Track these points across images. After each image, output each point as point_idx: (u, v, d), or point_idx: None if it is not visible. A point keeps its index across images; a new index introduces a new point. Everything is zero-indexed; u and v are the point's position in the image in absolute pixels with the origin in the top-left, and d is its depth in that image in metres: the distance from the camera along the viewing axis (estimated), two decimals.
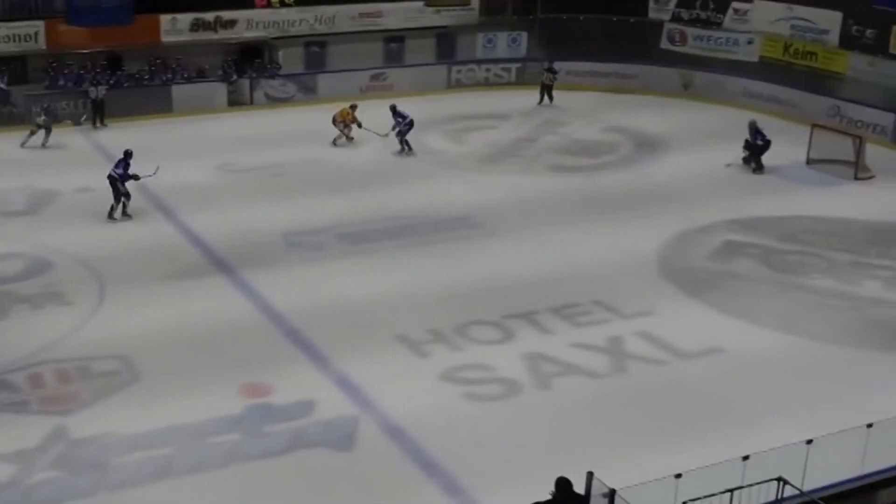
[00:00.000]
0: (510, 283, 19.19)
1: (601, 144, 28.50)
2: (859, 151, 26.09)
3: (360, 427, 14.46)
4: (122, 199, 21.93)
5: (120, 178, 21.83)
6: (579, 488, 11.04)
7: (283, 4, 32.30)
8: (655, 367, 16.43)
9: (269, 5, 32.24)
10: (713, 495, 10.75)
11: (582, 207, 23.50)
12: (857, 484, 12.21)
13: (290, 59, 32.53)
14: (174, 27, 31.04)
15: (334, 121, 27.36)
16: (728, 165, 25.97)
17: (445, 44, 34.66)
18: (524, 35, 35.15)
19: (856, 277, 20.06)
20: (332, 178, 25.02)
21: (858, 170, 25.99)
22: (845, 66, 31.29)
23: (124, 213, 21.97)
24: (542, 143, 28.57)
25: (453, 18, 34.44)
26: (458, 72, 34.10)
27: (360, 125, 27.11)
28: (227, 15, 31.57)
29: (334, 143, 27.33)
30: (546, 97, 32.39)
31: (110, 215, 21.89)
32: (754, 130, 26.29)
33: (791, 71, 32.65)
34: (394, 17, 33.70)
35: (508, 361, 16.31)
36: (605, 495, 10.82)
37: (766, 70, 33.05)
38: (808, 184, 25.67)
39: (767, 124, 27.54)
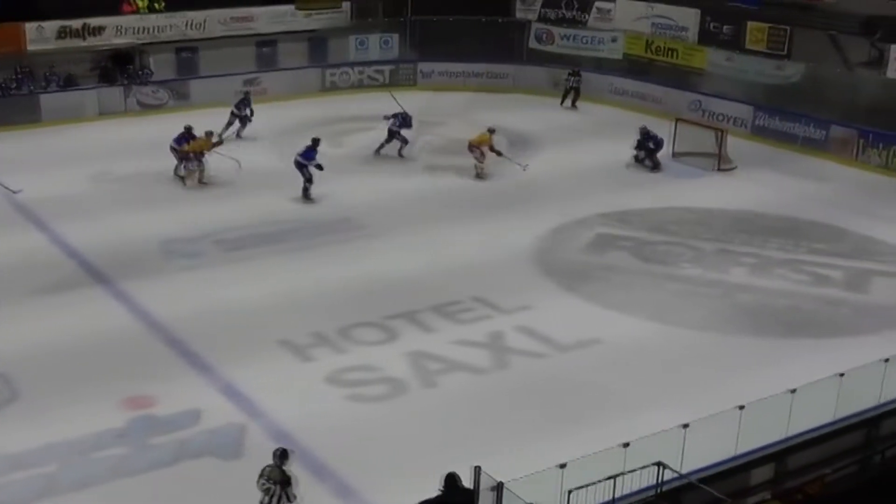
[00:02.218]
0: (391, 283, 19.37)
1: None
2: (721, 144, 27.06)
3: (248, 434, 14.42)
4: None
5: None
6: (467, 483, 11.27)
7: (151, 10, 31.81)
8: (536, 360, 16.79)
9: (136, 11, 31.71)
10: (596, 483, 11.13)
11: (459, 206, 23.83)
12: (732, 464, 12.68)
13: (161, 65, 32.10)
14: (40, 35, 30.31)
15: (471, 148, 25.76)
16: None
17: (318, 47, 34.64)
18: (396, 37, 35.37)
19: (723, 265, 20.84)
20: (209, 184, 24.78)
21: (721, 161, 26.96)
22: (704, 62, 32.42)
23: None
24: (418, 144, 28.80)
25: (324, 21, 34.41)
26: (332, 75, 34.15)
27: (498, 153, 25.64)
28: (94, 22, 30.96)
29: (477, 175, 25.72)
30: (569, 100, 32.97)
31: None
32: (645, 135, 26.97)
33: (654, 67, 33.69)
34: (265, 21, 33.52)
35: (393, 361, 16.46)
36: (492, 489, 11.05)
37: (630, 67, 34.04)
38: (674, 176, 26.53)
39: (633, 119, 28.36)
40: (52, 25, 30.37)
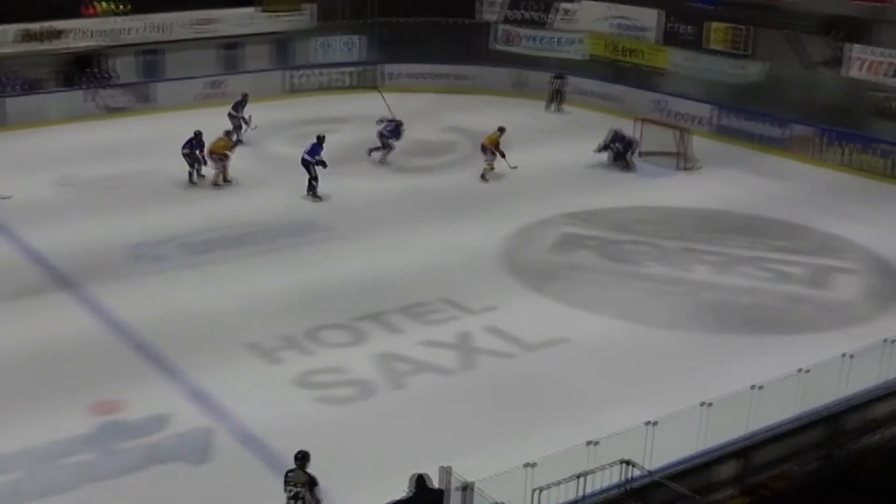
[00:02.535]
0: (359, 285, 19.41)
1: (441, 144, 29.00)
2: (684, 143, 27.30)
3: (216, 438, 14.40)
4: None
5: None
6: (437, 483, 11.34)
7: (114, 13, 31.60)
8: (504, 360, 16.89)
9: (97, 14, 31.48)
10: (564, 481, 11.24)
11: (426, 207, 23.89)
12: (698, 461, 12.86)
13: (125, 68, 31.89)
14: (1, 38, 29.94)
15: (483, 149, 25.95)
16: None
17: (282, 49, 34.56)
18: (359, 39, 35.35)
19: (686, 263, 21.05)
20: (173, 187, 24.70)
21: (685, 160, 27.20)
22: (667, 62, 32.68)
23: None
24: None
25: (288, 24, 34.35)
26: (296, 77, 34.07)
27: (502, 154, 25.68)
28: (56, 25, 30.65)
29: (483, 177, 25.83)
30: (555, 103, 32.97)
31: None
32: (615, 138, 27.09)
33: (617, 67, 33.91)
34: (229, 24, 33.39)
35: (361, 363, 16.50)
36: (461, 489, 11.15)
37: (594, 67, 34.23)
38: (638, 175, 26.74)
39: (597, 120, 28.56)
40: (12, 29, 30.05)
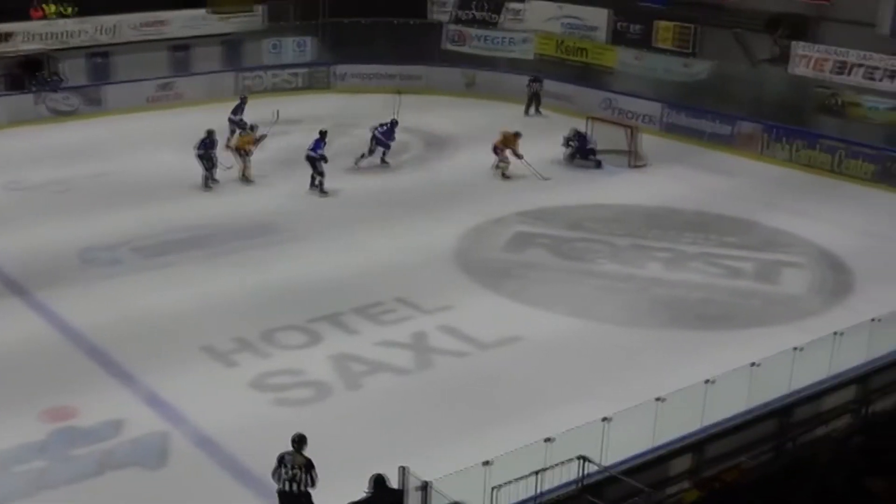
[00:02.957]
0: (313, 286, 19.40)
1: (393, 145, 28.93)
2: (633, 141, 27.57)
3: (172, 442, 14.35)
4: None
5: None
6: (395, 483, 11.40)
7: (61, 15, 31.26)
8: (459, 359, 16.99)
9: (45, 17, 31.15)
10: (521, 479, 11.35)
11: (379, 207, 23.92)
12: (652, 456, 13.01)
13: (73, 71, 31.55)
14: None
15: (496, 149, 26.10)
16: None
17: (232, 51, 34.40)
18: (310, 40, 35.28)
19: (638, 260, 21.29)
20: (125, 190, 24.52)
21: (634, 158, 27.47)
22: (614, 61, 32.98)
23: None
24: (335, 146, 28.77)
25: (238, 25, 34.20)
26: (247, 78, 33.92)
27: (519, 156, 25.91)
28: (3, 28, 30.33)
29: (503, 174, 26.09)
30: (533, 107, 32.56)
31: None
32: (578, 135, 27.27)
33: (565, 66, 34.15)
34: (177, 25, 33.18)
35: (316, 364, 16.51)
36: (419, 488, 11.20)
37: (542, 66, 34.44)
38: (589, 173, 26.97)
39: (548, 118, 28.67)
40: None
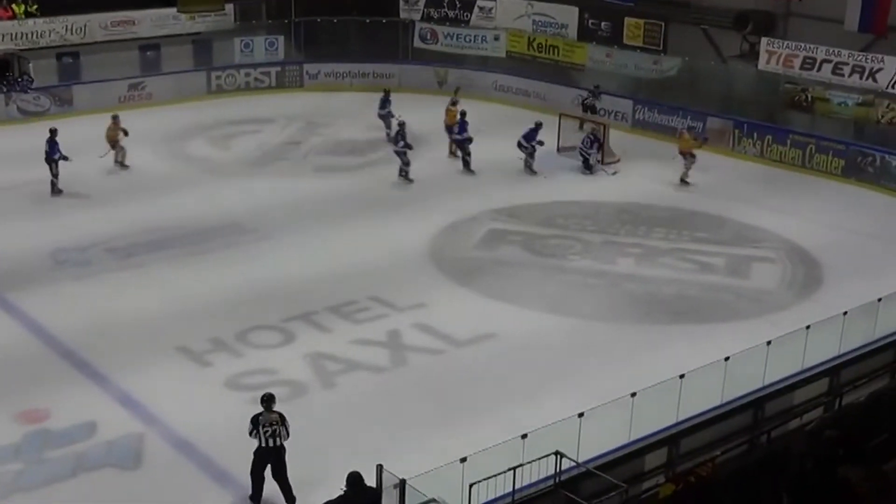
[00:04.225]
0: (287, 285, 19.39)
1: (365, 143, 29.00)
2: (603, 138, 27.64)
3: (146, 443, 14.35)
4: None
5: None
6: (371, 482, 11.43)
7: (28, 15, 31.01)
8: (434, 356, 17.05)
9: (14, 17, 30.89)
10: (497, 475, 11.40)
11: (352, 206, 23.89)
12: (627, 450, 13.14)
13: (42, 71, 31.24)
14: None
15: (683, 154, 25.86)
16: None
17: (203, 50, 34.13)
18: (281, 39, 35.15)
19: (610, 256, 21.41)
20: (97, 191, 24.37)
21: (604, 155, 27.54)
22: (585, 58, 33.08)
23: None
24: (307, 145, 28.80)
25: (208, 24, 33.98)
26: (218, 77, 33.76)
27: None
28: None
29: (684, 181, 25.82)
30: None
31: None
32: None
33: (536, 64, 34.22)
34: (147, 25, 32.93)
35: (291, 363, 16.52)
36: (395, 486, 11.24)
37: (513, 64, 34.51)
38: (561, 170, 27.01)
39: (518, 116, 28.73)
40: None
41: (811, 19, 28.73)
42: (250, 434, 12.89)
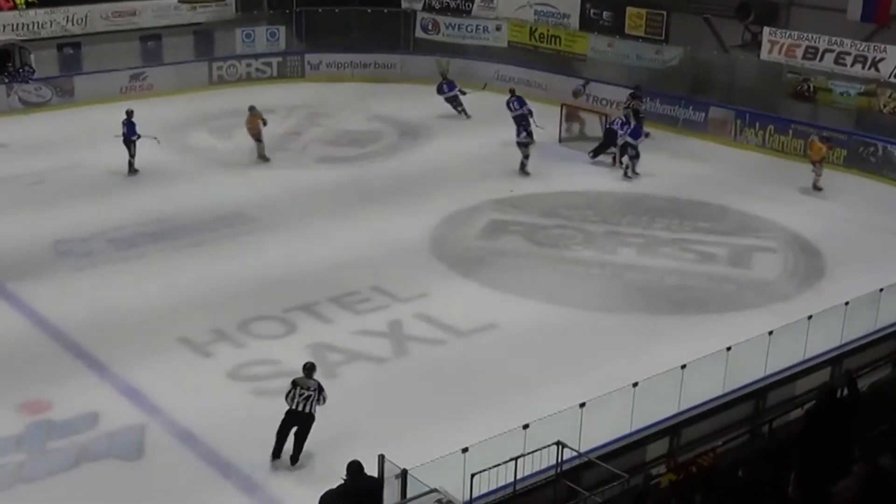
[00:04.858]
0: (289, 276, 19.39)
1: (366, 134, 28.99)
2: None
3: (149, 434, 14.37)
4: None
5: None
6: (373, 472, 11.44)
7: (29, 5, 30.97)
8: (435, 346, 17.06)
9: (14, 7, 30.84)
10: (498, 465, 11.42)
11: (354, 196, 23.88)
12: (629, 440, 13.14)
13: (43, 61, 31.20)
14: None
15: (813, 163, 24.96)
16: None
17: (204, 40, 34.09)
18: (282, 29, 35.10)
19: (612, 246, 21.39)
20: (98, 182, 24.37)
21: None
22: (586, 48, 32.98)
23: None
24: (308, 136, 28.78)
25: (209, 14, 33.93)
26: (220, 68, 33.74)
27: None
28: None
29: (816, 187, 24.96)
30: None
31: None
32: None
33: (538, 54, 34.14)
34: (148, 16, 32.86)
35: (293, 354, 16.38)
36: (397, 476, 11.26)
37: (515, 54, 34.44)
38: (562, 160, 26.96)
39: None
40: None
41: (813, 9, 28.62)
42: (286, 395, 13.55)
